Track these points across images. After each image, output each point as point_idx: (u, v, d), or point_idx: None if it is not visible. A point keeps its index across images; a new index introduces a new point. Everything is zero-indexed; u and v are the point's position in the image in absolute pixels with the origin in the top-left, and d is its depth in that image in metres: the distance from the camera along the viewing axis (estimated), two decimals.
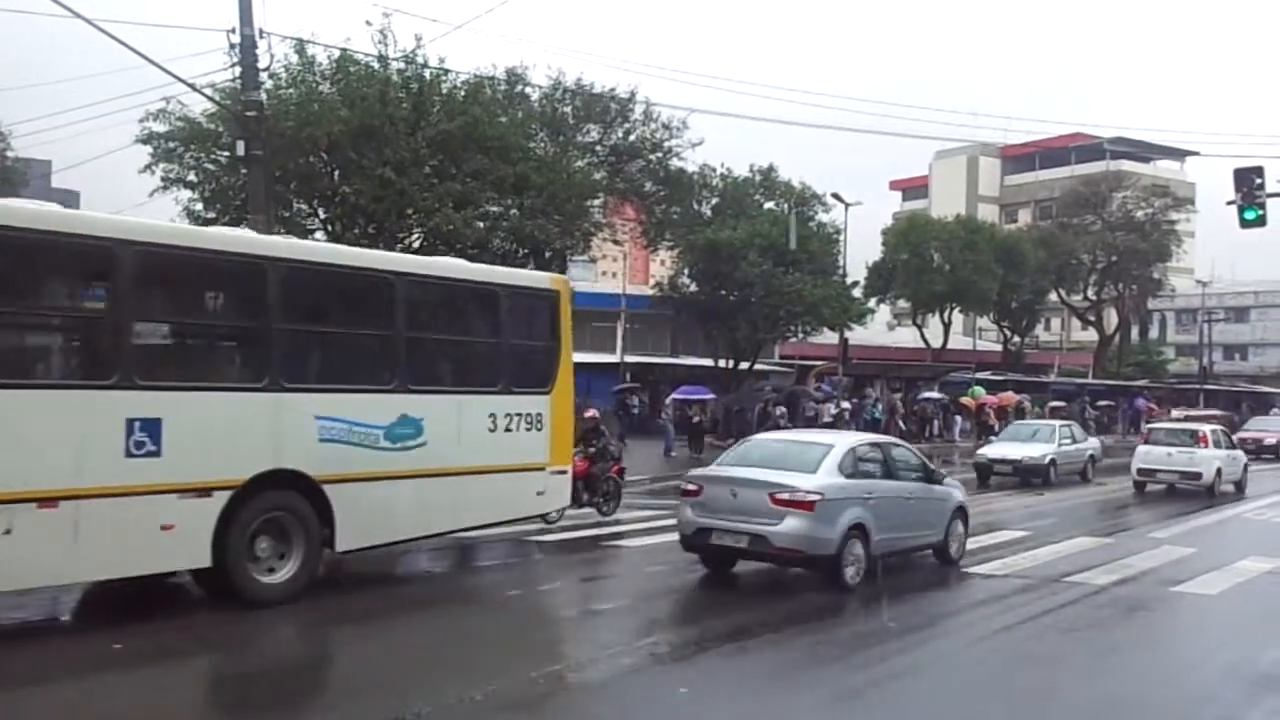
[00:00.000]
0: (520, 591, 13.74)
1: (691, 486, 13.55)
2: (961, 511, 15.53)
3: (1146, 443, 29.15)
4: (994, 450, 30.24)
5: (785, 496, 12.56)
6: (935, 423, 46.84)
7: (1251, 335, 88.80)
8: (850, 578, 12.92)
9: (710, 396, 40.75)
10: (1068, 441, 30.71)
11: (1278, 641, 11.86)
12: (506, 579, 14.41)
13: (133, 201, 29.67)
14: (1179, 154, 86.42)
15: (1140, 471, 28.13)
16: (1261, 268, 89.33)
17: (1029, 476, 28.84)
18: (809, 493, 12.58)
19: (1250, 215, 19.94)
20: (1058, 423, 34.12)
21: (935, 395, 47.99)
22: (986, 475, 29.02)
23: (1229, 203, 20.26)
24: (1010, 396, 50.21)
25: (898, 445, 15.95)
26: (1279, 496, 27.53)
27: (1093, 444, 32.85)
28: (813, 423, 40.22)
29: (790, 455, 13.69)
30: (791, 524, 12.47)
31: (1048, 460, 28.95)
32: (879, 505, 13.38)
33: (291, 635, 11.26)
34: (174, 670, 9.61)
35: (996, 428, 47.81)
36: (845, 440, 14.41)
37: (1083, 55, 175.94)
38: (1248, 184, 19.86)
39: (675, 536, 17.28)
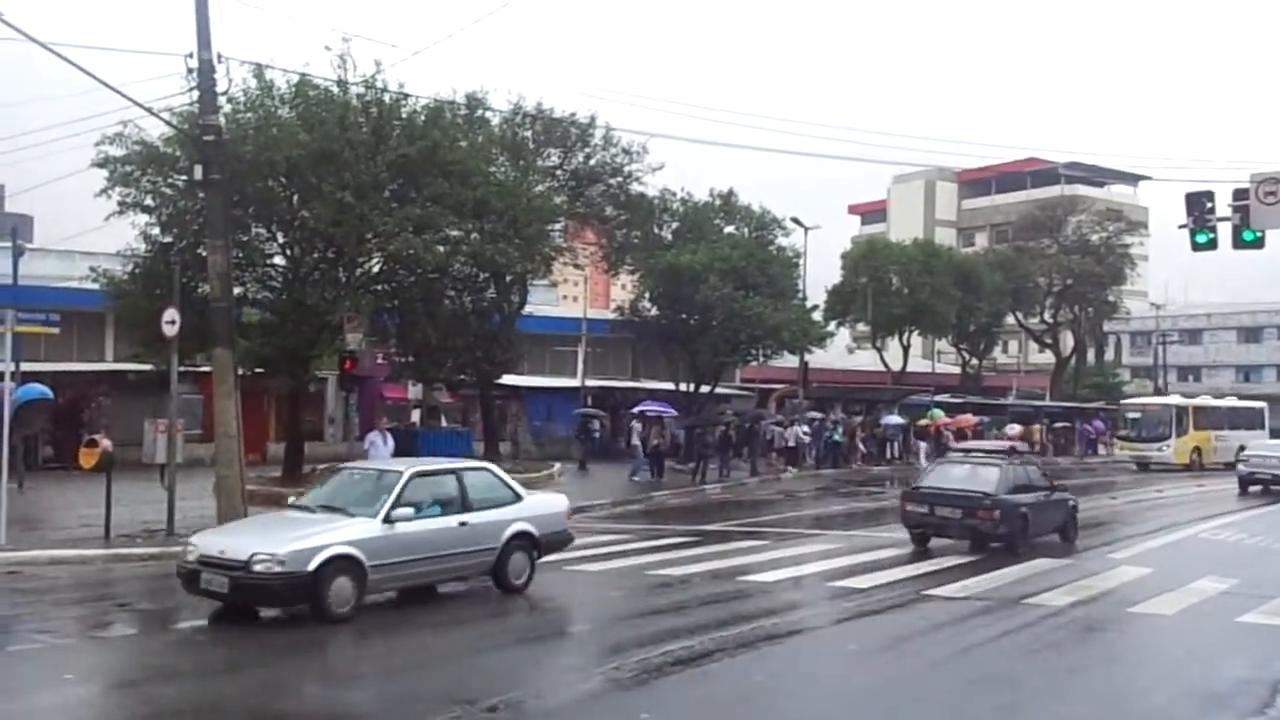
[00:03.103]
0: (479, 617, 13.67)
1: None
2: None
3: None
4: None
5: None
6: (894, 444, 47.09)
7: (1205, 357, 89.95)
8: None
9: (674, 413, 40.83)
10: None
11: (1234, 661, 11.97)
12: (464, 604, 14.32)
13: (88, 225, 29.40)
14: (1132, 178, 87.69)
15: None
16: (1213, 290, 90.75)
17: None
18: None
19: (1202, 239, 20.16)
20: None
21: (896, 420, 48.24)
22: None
23: (1181, 226, 20.47)
24: (968, 419, 50.56)
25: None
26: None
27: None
28: (770, 446, 40.37)
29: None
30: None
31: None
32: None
33: (246, 661, 11.15)
34: None
35: None
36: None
37: (1036, 81, 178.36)
38: (1199, 208, 20.09)
39: (635, 561, 17.29)
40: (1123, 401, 55.49)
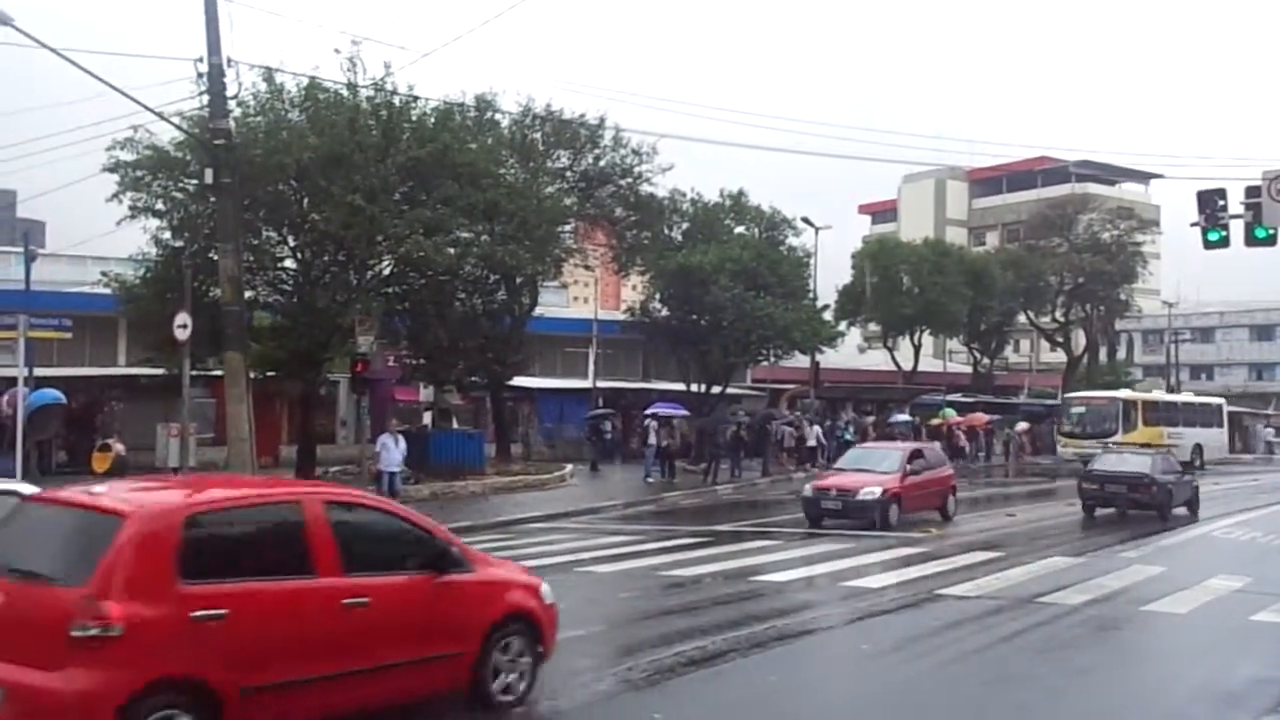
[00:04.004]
0: None
1: None
2: None
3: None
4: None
5: None
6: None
7: (1217, 355, 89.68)
8: None
9: (685, 413, 40.86)
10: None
11: (1247, 660, 11.92)
12: None
13: (100, 230, 29.50)
14: (1144, 176, 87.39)
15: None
16: (1226, 289, 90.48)
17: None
18: None
19: (1214, 237, 20.11)
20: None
21: (903, 418, 48.10)
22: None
23: (1193, 224, 20.42)
24: (979, 418, 50.42)
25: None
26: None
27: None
28: (780, 446, 40.40)
29: None
30: None
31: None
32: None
33: None
34: None
35: (967, 449, 48.13)
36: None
37: (1047, 79, 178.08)
38: (1211, 206, 20.03)
39: (647, 562, 17.33)
40: (1066, 395, 52.46)
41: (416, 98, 26.91)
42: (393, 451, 23.04)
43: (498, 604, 9.13)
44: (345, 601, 7.89)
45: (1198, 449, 38.33)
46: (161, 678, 6.88)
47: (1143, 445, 43.23)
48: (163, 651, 6.92)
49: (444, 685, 8.78)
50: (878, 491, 22.61)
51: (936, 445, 31.94)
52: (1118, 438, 43.76)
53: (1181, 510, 26.67)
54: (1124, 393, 48.74)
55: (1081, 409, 46.92)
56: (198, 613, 7.05)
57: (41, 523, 7.92)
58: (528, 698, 9.25)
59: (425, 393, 40.96)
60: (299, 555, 7.84)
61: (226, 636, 7.15)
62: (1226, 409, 51.67)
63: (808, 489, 23.99)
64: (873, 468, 24.05)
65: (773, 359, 45.05)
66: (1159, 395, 50.00)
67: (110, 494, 7.81)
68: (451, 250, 26.22)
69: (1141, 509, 25.62)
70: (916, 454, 25.04)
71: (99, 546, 6.98)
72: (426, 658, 8.48)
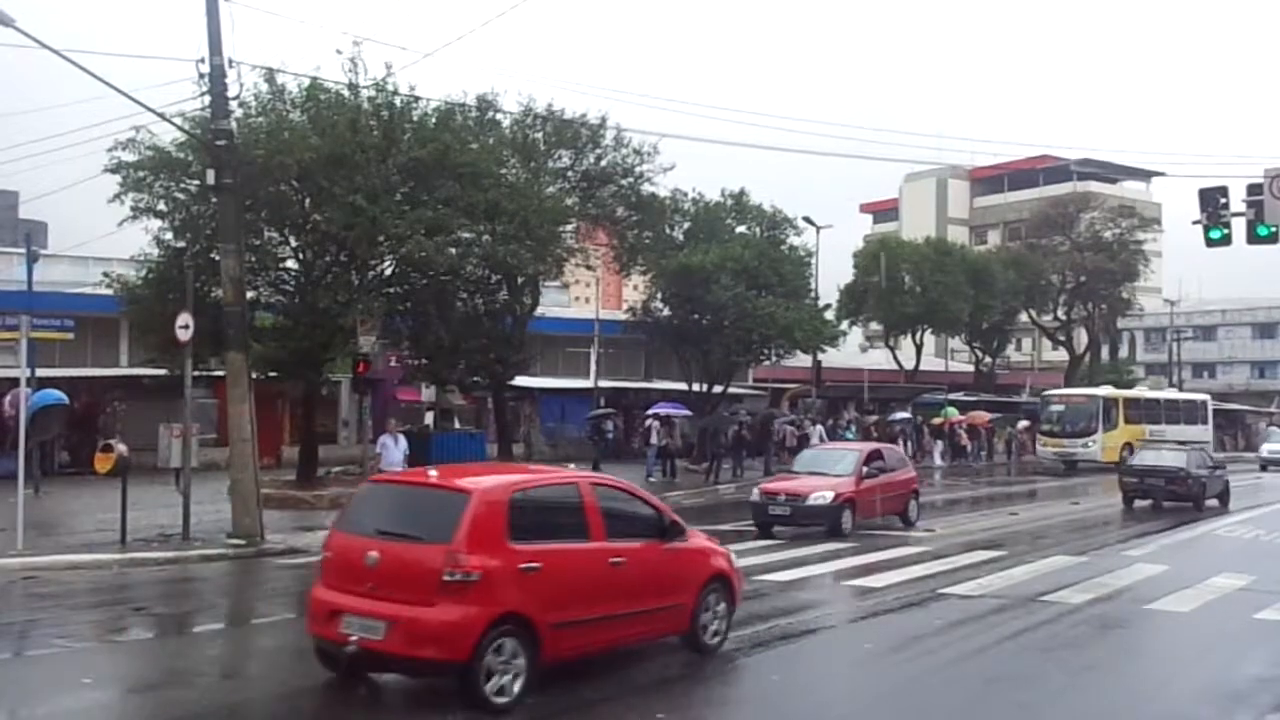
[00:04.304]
0: None
1: None
2: None
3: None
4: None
5: None
6: (908, 443, 46.54)
7: (1219, 353, 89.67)
8: None
9: (688, 413, 40.87)
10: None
11: (1251, 658, 11.93)
12: None
13: (102, 231, 29.50)
14: (1145, 175, 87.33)
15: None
16: (1228, 287, 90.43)
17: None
18: None
19: (1215, 235, 20.12)
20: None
21: (903, 415, 48.02)
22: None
23: (1195, 222, 20.43)
24: (981, 416, 50.38)
25: None
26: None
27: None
28: (781, 445, 40.39)
29: None
30: None
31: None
32: None
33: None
34: None
35: (969, 447, 48.11)
36: None
37: (1048, 78, 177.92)
38: (1213, 204, 20.05)
39: None
40: (1045, 393, 50.84)
41: (418, 98, 26.91)
42: (393, 451, 23.03)
43: (707, 566, 11.44)
44: (611, 560, 10.17)
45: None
46: (503, 613, 9.02)
47: (1124, 444, 43.04)
48: (503, 593, 9.07)
49: (672, 630, 11.04)
50: (829, 496, 21.28)
51: (897, 446, 30.37)
52: (1097, 436, 43.38)
53: (1213, 502, 28.23)
54: (1104, 390, 48.03)
55: (1061, 407, 46.18)
56: (523, 565, 9.25)
57: (398, 498, 10.22)
58: (724, 642, 11.40)
59: (427, 393, 40.99)
60: (578, 524, 10.07)
61: (541, 583, 9.35)
62: (1211, 406, 51.04)
63: (755, 493, 22.52)
64: (826, 470, 22.65)
65: (774, 358, 45.03)
66: (1140, 392, 49.14)
67: (449, 477, 10.31)
68: (453, 250, 26.19)
69: (1178, 500, 27.39)
70: (874, 455, 23.76)
71: (454, 515, 9.11)
72: (663, 606, 10.74)
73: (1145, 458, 29.75)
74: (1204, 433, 46.09)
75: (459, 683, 9.00)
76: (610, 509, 10.49)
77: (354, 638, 9.01)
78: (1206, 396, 52.08)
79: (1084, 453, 43.78)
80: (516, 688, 9.07)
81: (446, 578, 8.82)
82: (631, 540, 10.57)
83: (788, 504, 21.56)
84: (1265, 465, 46.60)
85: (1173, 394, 51.48)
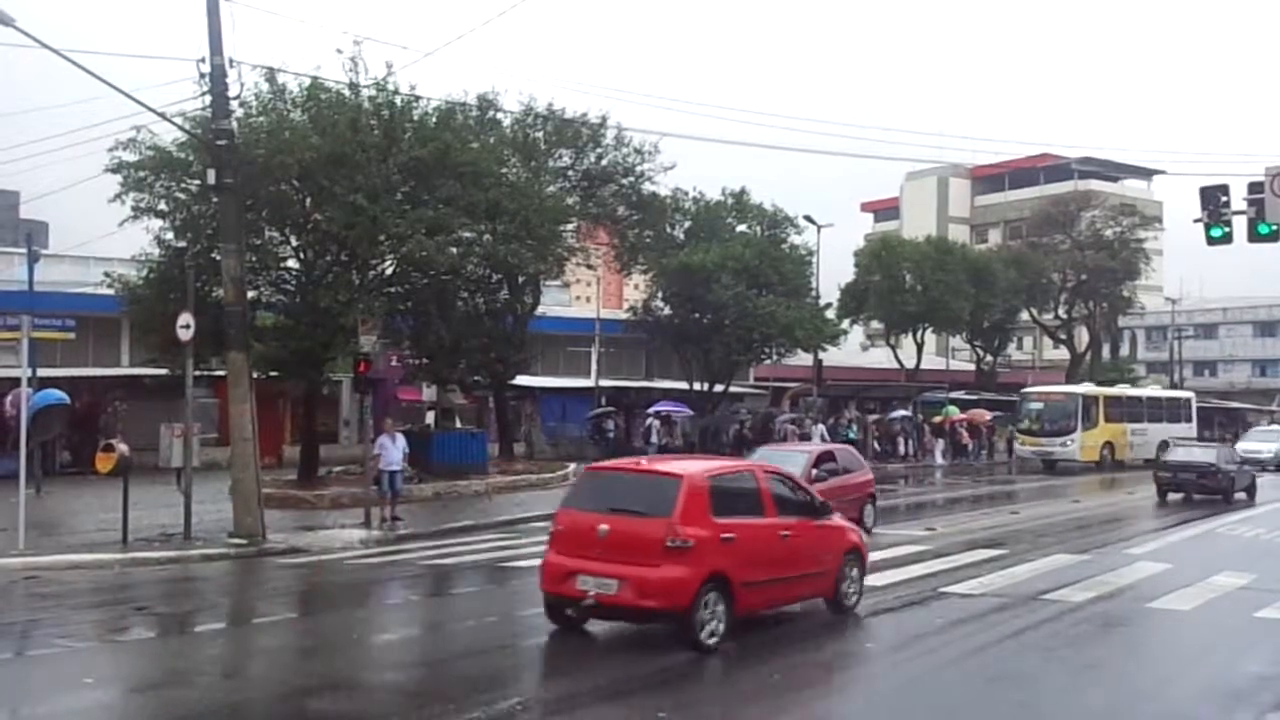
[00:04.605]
0: (495, 617, 13.65)
1: None
2: None
3: None
4: None
5: None
6: (909, 442, 46.57)
7: (1220, 351, 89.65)
8: None
9: (688, 412, 40.86)
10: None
11: (1252, 657, 11.91)
12: (479, 602, 14.33)
13: (103, 231, 29.51)
14: (1146, 173, 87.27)
15: None
16: (1229, 285, 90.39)
17: None
18: None
19: (1217, 233, 20.11)
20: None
21: (902, 413, 47.95)
22: None
23: (1196, 221, 20.42)
24: (981, 414, 50.33)
25: None
26: None
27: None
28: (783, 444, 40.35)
29: None
30: None
31: None
32: None
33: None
34: None
35: (970, 446, 48.09)
36: None
37: (1049, 76, 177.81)
38: (1214, 202, 20.03)
39: None
40: (1023, 389, 49.31)
41: (418, 97, 26.93)
42: (391, 450, 23.04)
43: (846, 540, 13.54)
44: (781, 532, 12.36)
45: (1164, 445, 37.11)
46: (711, 573, 11.19)
47: (1105, 443, 42.54)
48: (710, 557, 11.21)
49: (821, 593, 13.11)
50: None
51: (851, 448, 27.22)
52: (1076, 435, 42.19)
53: (1242, 495, 29.91)
54: (1084, 387, 46.93)
55: (1039, 405, 44.72)
56: (723, 535, 11.42)
57: (622, 483, 12.45)
58: (858, 604, 13.49)
59: (428, 392, 40.99)
60: (756, 503, 12.30)
61: (735, 550, 11.52)
62: (1195, 403, 50.12)
63: None
64: None
65: (775, 357, 45.06)
66: (1122, 390, 47.68)
67: (661, 465, 12.97)
68: (454, 250, 26.20)
69: (1208, 494, 28.96)
70: (825, 457, 22.30)
71: (671, 495, 11.34)
72: (817, 572, 12.91)
73: (1177, 454, 31.29)
74: (1188, 430, 45.30)
75: (678, 627, 11.21)
76: (776, 492, 12.66)
77: (591, 593, 11.20)
78: (1190, 394, 51.26)
79: (1062, 452, 42.49)
80: (721, 630, 11.24)
81: (669, 544, 11.03)
82: (793, 517, 12.72)
83: None
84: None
85: (1155, 391, 50.27)
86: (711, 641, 11.14)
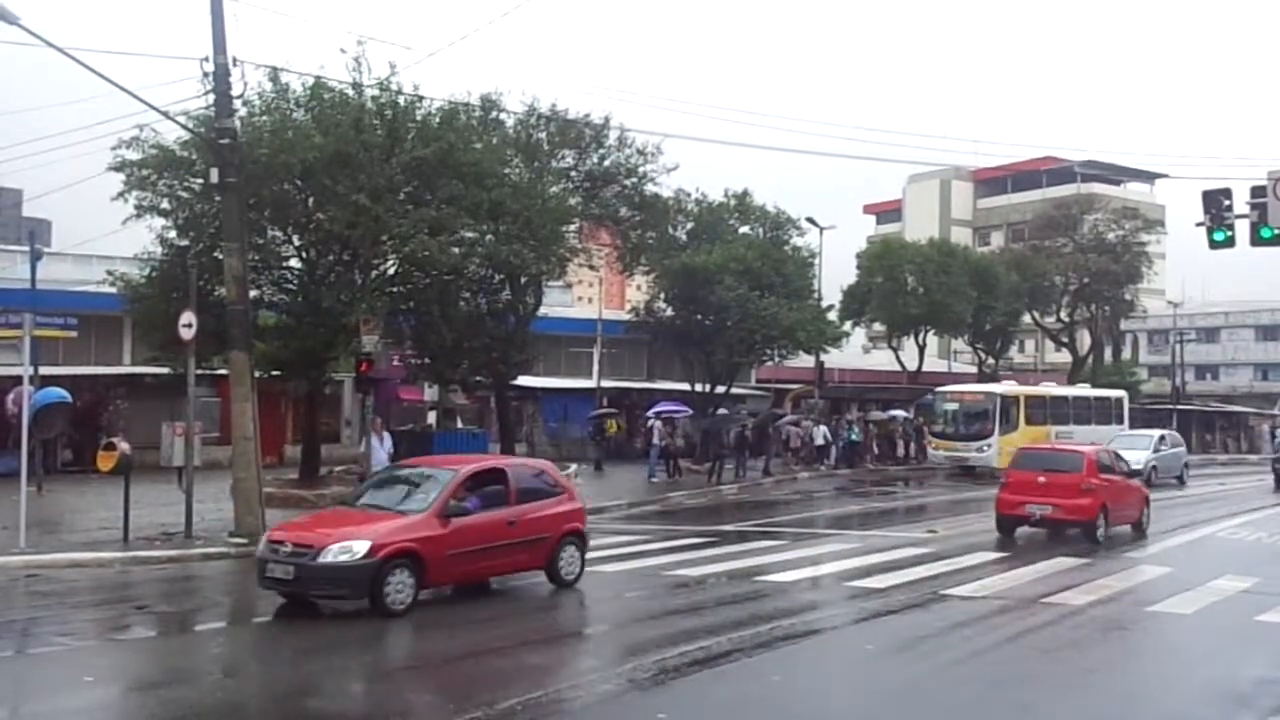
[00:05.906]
0: (500, 617, 13.67)
1: None
2: None
3: None
4: None
5: None
6: (909, 443, 46.39)
7: (1223, 355, 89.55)
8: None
9: (689, 412, 40.85)
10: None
11: (1254, 660, 11.91)
12: (485, 605, 14.32)
13: (105, 229, 29.51)
14: (1148, 176, 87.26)
15: None
16: (1231, 288, 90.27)
17: None
18: None
19: (1219, 237, 20.08)
20: None
21: (900, 414, 47.84)
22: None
23: (1198, 224, 20.40)
24: None
25: None
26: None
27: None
28: (785, 446, 40.40)
29: None
30: None
31: None
32: None
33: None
34: None
35: None
36: None
37: (1052, 79, 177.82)
38: (1216, 206, 20.01)
39: (652, 562, 17.33)
40: (938, 390, 44.86)
41: (421, 97, 26.89)
42: (379, 450, 23.08)
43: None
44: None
45: None
46: (1103, 503, 21.03)
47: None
48: (1100, 496, 21.17)
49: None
50: (360, 550, 12.97)
51: (546, 464, 17.71)
52: (993, 440, 38.76)
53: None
54: (1002, 387, 43.26)
55: (954, 405, 41.47)
56: (1099, 483, 21.53)
57: (1046, 455, 23.42)
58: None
59: (430, 392, 40.97)
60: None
61: (1104, 492, 21.49)
62: (1127, 403, 48.25)
63: (263, 542, 14.18)
64: (390, 505, 14.39)
65: (777, 359, 45.02)
66: (1044, 390, 44.61)
67: (1071, 446, 25.04)
68: (456, 250, 26.18)
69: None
70: (481, 478, 15.06)
71: (1081, 462, 21.68)
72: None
73: None
74: (1119, 432, 41.74)
75: (1083, 533, 20.84)
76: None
77: (1036, 515, 20.95)
78: (1122, 394, 48.76)
79: (978, 457, 39.03)
80: (1112, 532, 20.99)
81: (1084, 487, 20.74)
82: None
83: (291, 561, 13.18)
84: None
85: (1083, 391, 47.40)
86: (1103, 539, 20.85)
